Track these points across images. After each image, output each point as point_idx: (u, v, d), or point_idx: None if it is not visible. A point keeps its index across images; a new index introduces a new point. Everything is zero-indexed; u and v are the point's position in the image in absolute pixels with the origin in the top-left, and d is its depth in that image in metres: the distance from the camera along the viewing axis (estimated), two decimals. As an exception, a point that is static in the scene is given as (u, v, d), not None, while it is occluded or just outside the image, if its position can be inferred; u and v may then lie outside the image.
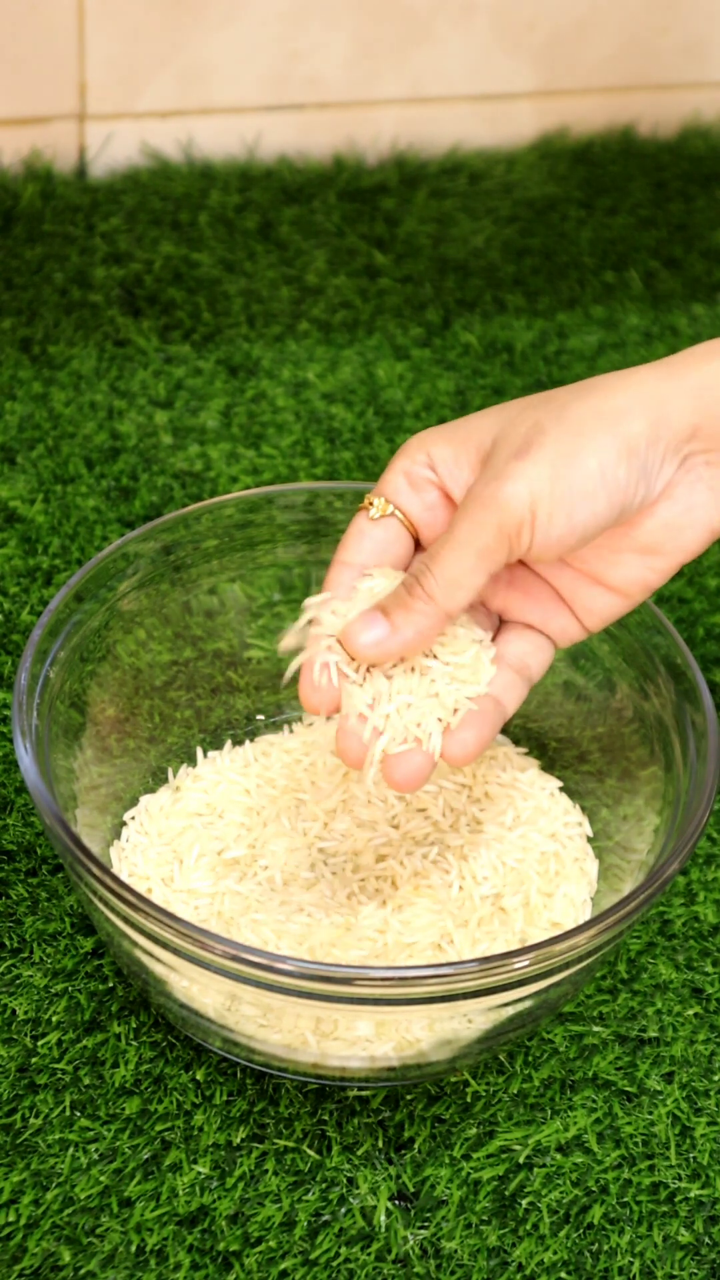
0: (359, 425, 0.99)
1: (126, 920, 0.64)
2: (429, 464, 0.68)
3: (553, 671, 0.79)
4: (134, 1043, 0.71)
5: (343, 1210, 0.67)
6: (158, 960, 0.65)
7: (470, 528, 0.65)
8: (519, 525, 0.64)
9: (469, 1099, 0.71)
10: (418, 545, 0.69)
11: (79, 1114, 0.69)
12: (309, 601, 0.68)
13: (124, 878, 0.73)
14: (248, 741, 0.79)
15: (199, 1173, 0.68)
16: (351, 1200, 0.67)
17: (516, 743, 0.80)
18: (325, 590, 0.68)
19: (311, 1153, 0.69)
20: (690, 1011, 0.74)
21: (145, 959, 0.66)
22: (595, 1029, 0.73)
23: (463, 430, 0.67)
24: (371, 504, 0.68)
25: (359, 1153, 0.69)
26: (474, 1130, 0.70)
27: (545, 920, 0.73)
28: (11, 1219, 0.66)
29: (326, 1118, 0.70)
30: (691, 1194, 0.69)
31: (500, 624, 0.70)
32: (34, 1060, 0.70)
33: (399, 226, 1.14)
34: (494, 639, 0.69)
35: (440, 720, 0.67)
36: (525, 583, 0.69)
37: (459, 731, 0.67)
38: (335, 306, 1.07)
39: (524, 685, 0.69)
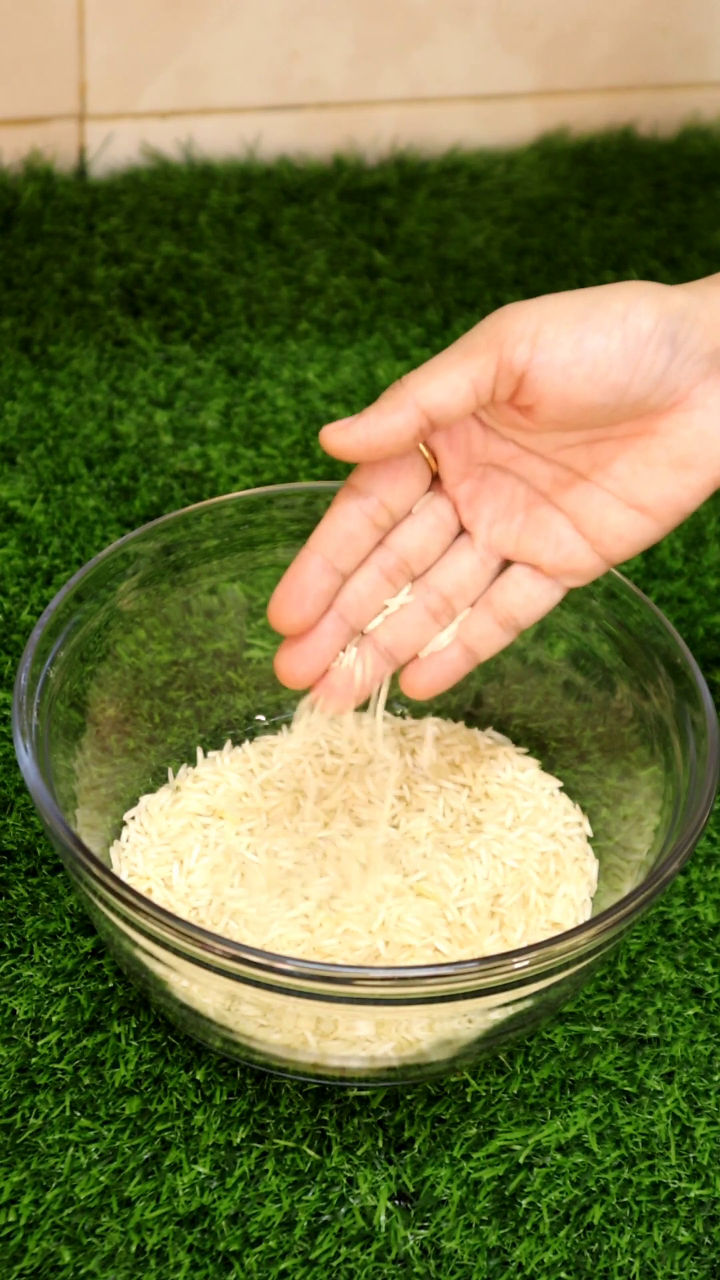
0: (359, 425, 0.99)
1: (126, 920, 0.64)
2: None
3: (553, 671, 0.79)
4: (134, 1043, 0.71)
5: (343, 1210, 0.67)
6: (158, 960, 0.65)
7: (469, 333, 0.62)
8: (517, 335, 0.61)
9: (469, 1099, 0.71)
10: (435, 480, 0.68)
11: (79, 1114, 0.69)
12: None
13: (124, 878, 0.73)
14: (247, 741, 0.79)
15: (199, 1173, 0.68)
16: (351, 1200, 0.67)
17: (516, 743, 0.80)
18: (331, 515, 0.66)
19: (311, 1153, 0.69)
20: (690, 1011, 0.74)
21: (145, 959, 0.66)
22: (595, 1029, 0.73)
23: None
24: None
25: (359, 1153, 0.69)
26: (474, 1130, 0.70)
27: (545, 920, 0.73)
28: (11, 1219, 0.66)
29: (326, 1118, 0.70)
30: (691, 1194, 0.69)
31: (504, 567, 0.69)
32: (34, 1060, 0.70)
33: (399, 226, 1.14)
34: (491, 582, 0.69)
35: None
36: (539, 514, 0.67)
37: (420, 667, 0.68)
38: (335, 306, 1.07)
39: (505, 635, 0.68)
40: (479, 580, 0.69)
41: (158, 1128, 0.69)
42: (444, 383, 0.62)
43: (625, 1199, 0.69)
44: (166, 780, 0.77)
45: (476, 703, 0.81)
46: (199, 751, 0.79)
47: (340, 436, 0.63)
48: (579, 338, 0.61)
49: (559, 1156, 0.69)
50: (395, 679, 0.81)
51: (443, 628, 0.69)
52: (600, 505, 0.66)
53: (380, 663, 0.69)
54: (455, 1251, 0.66)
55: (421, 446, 0.66)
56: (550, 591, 0.68)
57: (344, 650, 0.68)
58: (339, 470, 0.96)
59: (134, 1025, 0.71)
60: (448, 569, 0.69)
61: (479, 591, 0.69)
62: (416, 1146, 0.69)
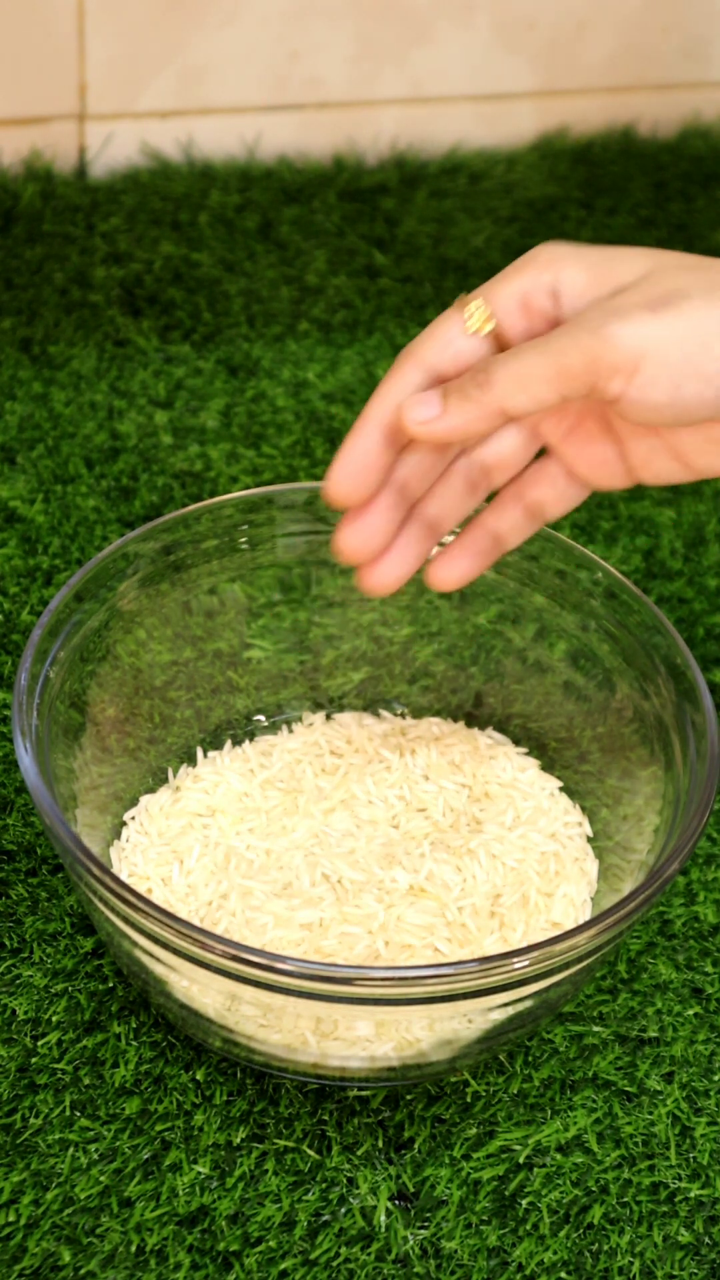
0: (359, 425, 0.99)
1: (126, 920, 0.64)
2: (553, 289, 0.63)
3: (553, 671, 0.79)
4: (134, 1043, 0.71)
5: (343, 1210, 0.67)
6: (158, 960, 0.65)
7: (565, 344, 0.60)
8: (614, 368, 0.60)
9: (469, 1099, 0.71)
10: None
11: (79, 1114, 0.69)
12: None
13: (124, 878, 0.73)
14: (247, 741, 0.79)
15: (199, 1173, 0.68)
16: (351, 1200, 0.67)
17: (516, 743, 0.80)
18: (388, 384, 0.65)
19: (311, 1153, 0.69)
20: (690, 1011, 0.74)
21: (145, 959, 0.66)
22: (595, 1029, 0.73)
23: (606, 263, 0.62)
24: (470, 309, 0.64)
25: (359, 1153, 0.69)
26: (474, 1130, 0.70)
27: (545, 920, 0.73)
28: (11, 1219, 0.66)
29: (326, 1118, 0.70)
30: (691, 1194, 0.69)
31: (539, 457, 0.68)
32: (34, 1060, 0.70)
33: (399, 226, 1.14)
34: (525, 468, 0.68)
35: None
36: (590, 427, 0.66)
37: (450, 557, 0.67)
38: (335, 306, 1.07)
39: (531, 526, 0.68)
40: (519, 459, 0.68)
41: (158, 1128, 0.69)
42: (533, 397, 0.61)
43: (625, 1199, 0.69)
44: (166, 780, 0.77)
45: (476, 703, 0.81)
46: (199, 751, 0.79)
47: (425, 429, 0.63)
48: (677, 384, 0.60)
49: (559, 1156, 0.69)
50: (392, 677, 0.81)
51: (479, 500, 0.68)
52: (649, 449, 0.65)
53: (425, 539, 0.68)
54: (455, 1251, 0.66)
55: (498, 334, 0.64)
56: (580, 493, 0.68)
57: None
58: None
59: (134, 1025, 0.71)
60: (491, 442, 0.68)
61: (517, 469, 0.68)
62: (416, 1146, 0.69)
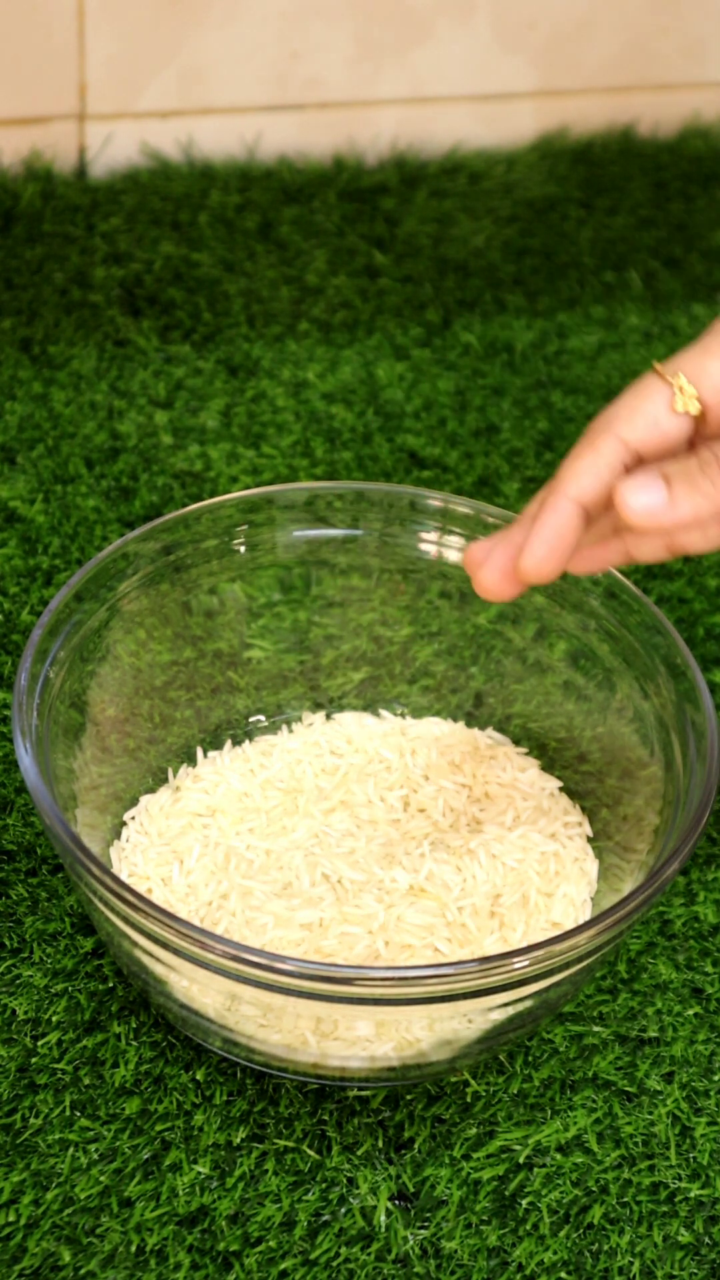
0: (359, 425, 0.99)
1: (126, 920, 0.64)
2: None
3: (553, 671, 0.79)
4: (134, 1043, 0.71)
5: (343, 1210, 0.67)
6: (158, 960, 0.65)
7: None
8: None
9: (469, 1099, 0.71)
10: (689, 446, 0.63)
11: (79, 1114, 0.69)
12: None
13: (124, 878, 0.73)
14: (247, 741, 0.79)
15: (199, 1173, 0.68)
16: (351, 1200, 0.67)
17: (516, 743, 0.80)
18: (583, 458, 0.62)
19: (311, 1153, 0.69)
20: (690, 1011, 0.74)
21: (145, 959, 0.66)
22: (595, 1029, 0.73)
23: None
24: (677, 384, 0.62)
25: (359, 1153, 0.69)
26: (474, 1130, 0.70)
27: (545, 920, 0.73)
28: (11, 1219, 0.66)
29: (326, 1118, 0.70)
30: (691, 1194, 0.69)
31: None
32: (34, 1060, 0.70)
33: (399, 226, 1.14)
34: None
35: None
36: None
37: (587, 550, 0.65)
38: (335, 306, 1.07)
39: (668, 557, 0.66)
40: None
41: (158, 1128, 0.69)
42: None
43: (625, 1199, 0.69)
44: (166, 780, 0.77)
45: (476, 703, 0.81)
46: (199, 751, 0.79)
47: (648, 518, 0.60)
48: None
49: (559, 1156, 0.69)
50: (392, 677, 0.81)
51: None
52: None
53: (575, 516, 0.64)
54: (455, 1251, 0.66)
55: (702, 415, 0.61)
56: None
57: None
58: (339, 470, 0.96)
59: (134, 1025, 0.71)
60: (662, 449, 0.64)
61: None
62: (416, 1146, 0.69)
